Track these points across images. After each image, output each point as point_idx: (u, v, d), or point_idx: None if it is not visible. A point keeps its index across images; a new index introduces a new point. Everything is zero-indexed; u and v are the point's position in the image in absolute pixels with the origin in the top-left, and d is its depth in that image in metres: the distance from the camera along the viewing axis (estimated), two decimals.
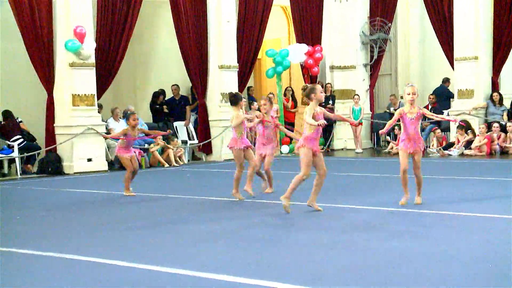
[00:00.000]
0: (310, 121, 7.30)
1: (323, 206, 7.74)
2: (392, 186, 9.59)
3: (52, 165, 13.71)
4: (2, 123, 13.92)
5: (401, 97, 20.77)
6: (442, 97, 17.71)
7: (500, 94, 16.33)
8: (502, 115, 16.12)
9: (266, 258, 5.42)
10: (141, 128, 10.71)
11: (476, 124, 15.99)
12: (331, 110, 18.37)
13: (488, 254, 5.28)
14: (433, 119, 8.84)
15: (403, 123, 7.73)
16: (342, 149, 18.55)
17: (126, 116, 10.69)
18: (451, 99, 17.45)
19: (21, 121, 14.17)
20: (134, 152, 10.45)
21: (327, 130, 18.56)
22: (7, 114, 13.91)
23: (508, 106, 16.36)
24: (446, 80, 18.03)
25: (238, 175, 8.99)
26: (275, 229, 6.75)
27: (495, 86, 16.59)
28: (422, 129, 16.62)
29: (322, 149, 18.41)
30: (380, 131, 7.81)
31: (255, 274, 4.88)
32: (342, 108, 18.45)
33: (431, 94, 17.93)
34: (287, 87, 18.97)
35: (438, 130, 16.33)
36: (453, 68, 16.95)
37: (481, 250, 5.44)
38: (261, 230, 6.73)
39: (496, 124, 15.45)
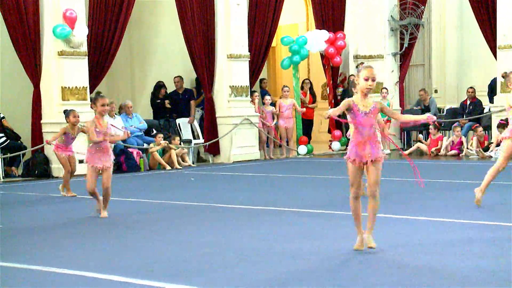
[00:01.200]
0: None
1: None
2: (424, 192, 9.64)
3: (39, 167, 13.71)
4: None
5: (435, 91, 20.80)
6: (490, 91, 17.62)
7: None
8: None
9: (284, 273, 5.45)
10: (82, 127, 10.89)
11: None
12: None
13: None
14: (393, 117, 6.74)
15: (353, 120, 6.01)
16: None
17: (66, 113, 10.89)
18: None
19: (3, 117, 14.23)
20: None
21: (348, 127, 18.56)
22: None
23: None
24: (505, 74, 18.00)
25: None
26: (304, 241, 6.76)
27: None
28: (461, 127, 16.58)
29: (345, 149, 18.41)
30: (326, 114, 5.98)
31: None
32: None
33: (470, 88, 17.91)
34: (304, 80, 19.10)
35: (480, 128, 16.22)
36: (495, 57, 16.94)
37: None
38: (276, 241, 6.75)
39: None
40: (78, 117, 10.71)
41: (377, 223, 6.21)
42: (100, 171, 8.62)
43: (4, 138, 13.82)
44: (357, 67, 5.60)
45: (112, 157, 8.83)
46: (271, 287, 5.08)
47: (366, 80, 5.89)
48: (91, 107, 9.01)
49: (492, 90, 17.54)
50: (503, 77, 8.04)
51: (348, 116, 6.01)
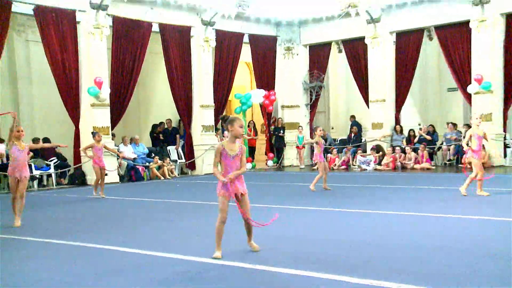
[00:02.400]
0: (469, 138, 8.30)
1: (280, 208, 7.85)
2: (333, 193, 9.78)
3: (79, 178, 13.76)
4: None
5: (332, 128, 21.14)
6: (358, 128, 17.97)
7: (401, 126, 16.83)
8: (402, 141, 16.68)
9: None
10: (104, 144, 11.09)
11: (385, 147, 16.46)
12: (282, 138, 18.80)
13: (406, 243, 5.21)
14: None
15: (223, 162, 4.97)
16: (290, 165, 18.68)
17: (93, 133, 11.14)
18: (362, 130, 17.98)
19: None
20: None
21: (280, 151, 18.64)
22: (46, 141, 13.77)
23: (406, 135, 16.86)
24: (353, 116, 18.51)
25: (322, 175, 10.10)
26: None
27: (397, 120, 17.02)
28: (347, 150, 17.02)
29: (275, 165, 18.17)
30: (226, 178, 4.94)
31: (241, 258, 4.82)
32: (290, 136, 18.56)
33: (353, 126, 18.21)
34: (250, 121, 18.89)
35: (361, 151, 16.70)
36: (368, 107, 17.19)
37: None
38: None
39: (398, 148, 15.95)
40: (101, 136, 10.96)
41: (345, 218, 6.05)
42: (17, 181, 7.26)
43: (56, 159, 13.77)
44: (223, 119, 4.45)
45: (28, 171, 7.35)
46: (231, 255, 4.93)
47: (241, 127, 5.01)
48: (15, 135, 7.29)
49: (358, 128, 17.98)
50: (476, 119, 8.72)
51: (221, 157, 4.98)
